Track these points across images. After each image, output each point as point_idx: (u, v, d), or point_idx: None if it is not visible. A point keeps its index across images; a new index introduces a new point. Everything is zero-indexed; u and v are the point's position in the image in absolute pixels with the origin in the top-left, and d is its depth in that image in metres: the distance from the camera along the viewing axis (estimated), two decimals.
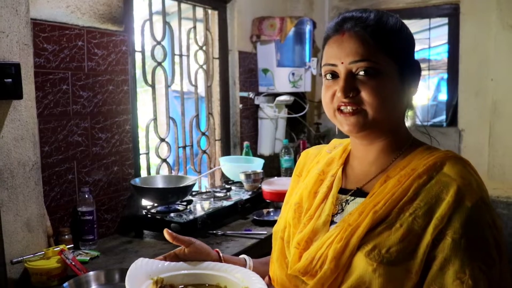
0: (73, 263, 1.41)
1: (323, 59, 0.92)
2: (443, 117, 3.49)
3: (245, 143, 2.73)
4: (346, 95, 0.85)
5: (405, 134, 0.93)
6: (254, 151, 2.91)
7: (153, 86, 2.16)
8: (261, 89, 2.97)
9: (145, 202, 2.02)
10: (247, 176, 2.32)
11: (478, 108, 3.01)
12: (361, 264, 0.80)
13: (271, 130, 3.01)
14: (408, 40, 0.91)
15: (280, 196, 2.24)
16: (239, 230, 1.95)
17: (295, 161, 2.89)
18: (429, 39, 3.37)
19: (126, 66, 1.92)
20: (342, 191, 0.94)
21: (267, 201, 2.28)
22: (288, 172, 2.84)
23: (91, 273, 1.33)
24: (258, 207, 2.26)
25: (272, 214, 2.16)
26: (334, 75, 0.89)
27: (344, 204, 0.92)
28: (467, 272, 0.75)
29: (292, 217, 0.96)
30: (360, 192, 0.91)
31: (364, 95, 0.85)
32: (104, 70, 1.83)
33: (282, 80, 2.91)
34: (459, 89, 3.10)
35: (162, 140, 2.23)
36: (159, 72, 2.19)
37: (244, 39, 2.80)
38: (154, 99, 2.17)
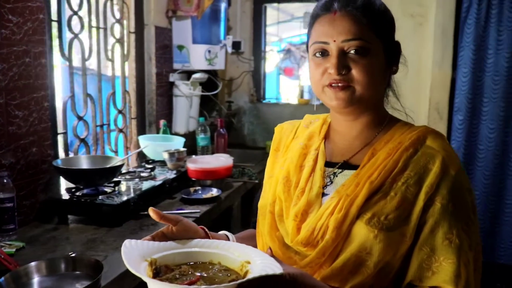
0: (2, 257, 1.28)
1: (312, 37, 0.94)
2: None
3: (162, 122, 2.66)
4: (339, 72, 0.89)
5: (383, 111, 1.00)
6: (169, 130, 2.84)
7: (70, 60, 1.99)
8: (176, 66, 2.90)
9: (66, 185, 1.89)
10: (171, 154, 2.27)
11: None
12: (362, 232, 0.86)
13: (186, 108, 2.97)
14: (392, 21, 0.97)
15: (206, 174, 2.25)
16: (170, 210, 1.92)
17: (211, 139, 2.90)
18: None
19: (44, 36, 1.74)
20: (328, 164, 0.98)
21: (193, 179, 2.27)
22: (205, 150, 2.83)
23: (32, 264, 1.21)
24: (184, 186, 2.23)
25: (200, 192, 2.16)
26: (324, 53, 0.92)
27: (332, 176, 0.96)
28: (454, 232, 0.85)
29: (282, 190, 0.98)
30: (347, 165, 0.96)
31: (355, 73, 0.89)
32: (20, 39, 1.64)
33: (198, 57, 2.87)
34: None
35: (80, 118, 2.08)
36: (76, 45, 2.02)
37: (160, 13, 2.69)
38: (71, 74, 2.01)
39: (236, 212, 2.50)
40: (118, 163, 1.85)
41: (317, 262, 0.89)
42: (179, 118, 2.94)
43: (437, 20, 2.69)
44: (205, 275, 0.83)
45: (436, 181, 0.87)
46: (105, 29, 2.26)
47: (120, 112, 2.43)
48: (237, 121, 3.64)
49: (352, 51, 0.89)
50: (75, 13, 2.00)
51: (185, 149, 2.35)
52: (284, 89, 4.53)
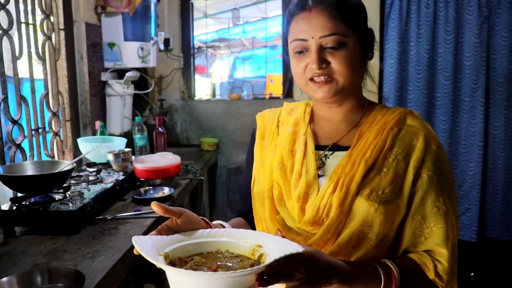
0: None
1: (291, 34, 1.00)
2: (245, 92, 3.80)
3: (99, 123, 2.54)
4: (320, 66, 0.95)
5: (363, 95, 1.07)
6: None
7: (0, 58, 1.82)
8: (107, 64, 2.78)
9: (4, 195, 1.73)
10: (116, 156, 2.18)
11: None
12: (363, 206, 0.92)
13: (120, 108, 2.86)
14: (364, 12, 1.03)
15: (155, 173, 2.19)
16: (126, 212, 1.84)
17: (149, 138, 2.82)
18: (230, 20, 3.63)
19: None
20: (317, 147, 1.04)
21: (141, 179, 2.20)
22: (143, 150, 2.75)
23: (4, 280, 1.11)
24: (133, 187, 2.16)
25: (152, 192, 2.10)
26: (303, 49, 0.98)
27: (324, 158, 1.02)
28: (441, 200, 0.95)
29: (279, 175, 1.01)
30: (337, 147, 1.02)
31: (335, 65, 0.96)
32: None
33: (131, 55, 2.78)
34: None
35: (15, 122, 1.92)
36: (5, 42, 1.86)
37: (89, 9, 2.56)
38: (2, 74, 1.84)
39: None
40: (68, 167, 1.74)
41: (323, 239, 0.94)
42: (113, 118, 2.82)
43: None
44: (219, 263, 0.83)
45: (421, 156, 0.96)
46: (34, 25, 2.10)
47: (54, 114, 2.28)
48: (169, 119, 3.58)
49: (330, 46, 0.95)
50: (3, 6, 1.84)
51: (130, 149, 2.26)
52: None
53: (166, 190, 2.10)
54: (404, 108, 1.05)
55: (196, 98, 3.70)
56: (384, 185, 0.94)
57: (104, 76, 2.74)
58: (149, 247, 0.81)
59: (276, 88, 3.95)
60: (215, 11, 3.94)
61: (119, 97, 2.79)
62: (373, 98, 1.14)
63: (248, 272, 0.73)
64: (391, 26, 2.80)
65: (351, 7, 0.99)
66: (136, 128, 2.76)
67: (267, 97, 3.85)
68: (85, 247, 1.47)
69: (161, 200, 2.01)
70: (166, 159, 2.29)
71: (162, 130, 2.84)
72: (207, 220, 0.97)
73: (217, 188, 3.67)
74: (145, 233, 1.63)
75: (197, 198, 2.99)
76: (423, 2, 2.73)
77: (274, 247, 0.81)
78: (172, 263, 0.81)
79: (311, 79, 0.97)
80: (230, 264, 0.83)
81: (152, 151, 2.82)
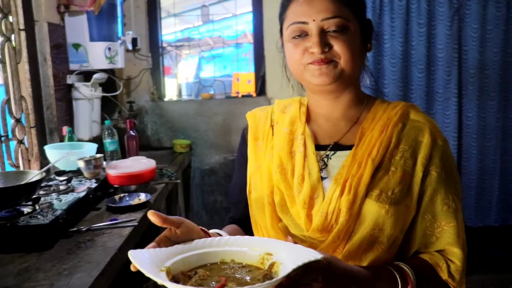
0: None
1: (289, 18, 0.93)
2: (213, 91, 3.71)
3: (67, 128, 2.40)
4: (322, 50, 0.89)
5: (360, 89, 1.01)
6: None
7: None
8: (73, 66, 2.64)
9: None
10: (87, 162, 2.06)
11: (283, 78, 3.34)
12: (373, 209, 0.86)
13: (89, 112, 2.73)
14: (364, 0, 0.98)
15: (130, 179, 2.08)
16: (102, 222, 1.74)
17: (120, 143, 2.70)
18: (198, 16, 3.54)
19: None
20: (317, 147, 0.97)
21: (115, 186, 2.09)
22: (114, 155, 2.63)
23: None
24: (106, 195, 2.04)
25: (127, 199, 1.99)
26: (302, 34, 0.91)
27: (326, 159, 0.95)
28: (450, 197, 0.90)
29: (280, 180, 0.94)
30: (338, 146, 0.96)
31: (337, 48, 0.90)
32: None
33: (97, 56, 2.65)
34: (266, 61, 3.38)
35: None
36: None
37: (52, 8, 2.41)
38: None
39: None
40: (37, 177, 1.61)
41: (332, 246, 0.88)
42: (81, 123, 2.69)
43: None
44: (226, 275, 0.76)
45: (429, 152, 0.91)
46: None
47: (18, 121, 2.13)
48: (139, 122, 3.45)
49: (333, 29, 0.89)
50: None
51: (101, 155, 2.15)
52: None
53: (143, 196, 2.00)
54: (405, 102, 1.00)
55: (166, 99, 3.59)
56: (393, 185, 0.89)
57: (70, 79, 2.60)
58: (148, 262, 0.73)
59: (243, 87, 3.86)
60: (182, 9, 3.84)
61: (87, 100, 2.66)
62: (370, 93, 1.08)
63: (266, 286, 0.66)
64: None
65: None
66: (106, 133, 2.63)
67: (239, 95, 3.77)
68: (60, 264, 1.36)
69: (137, 207, 1.91)
70: (141, 163, 2.18)
71: (134, 134, 2.72)
72: (205, 229, 0.90)
73: (192, 190, 3.57)
74: (125, 243, 1.54)
75: (172, 202, 2.89)
76: None
77: (288, 255, 0.75)
78: (175, 278, 0.73)
79: (311, 63, 0.91)
80: (239, 276, 0.75)
81: (124, 155, 2.70)
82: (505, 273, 3.11)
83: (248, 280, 0.74)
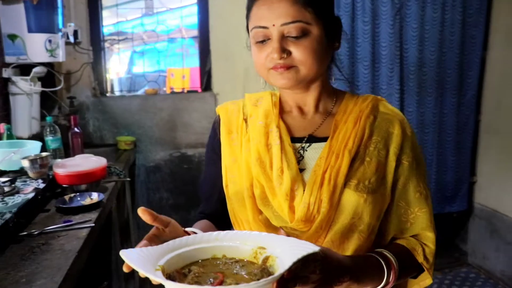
0: None
1: (252, 21, 0.94)
2: (143, 88, 3.65)
3: (4, 125, 2.24)
4: (281, 56, 0.90)
5: (329, 84, 1.03)
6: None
7: None
8: (9, 59, 2.45)
9: None
10: (33, 161, 1.94)
11: (230, 73, 3.34)
12: (352, 198, 0.89)
13: (28, 108, 2.56)
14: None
15: (80, 178, 1.98)
16: (55, 224, 1.64)
17: (63, 140, 2.56)
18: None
19: None
20: (292, 139, 0.99)
21: (64, 186, 1.97)
22: (57, 153, 2.49)
23: None
24: (54, 195, 1.93)
25: (79, 199, 1.89)
26: (265, 37, 0.92)
27: (302, 151, 0.96)
28: (421, 185, 0.95)
29: (260, 172, 0.94)
30: (313, 138, 0.97)
31: (297, 55, 0.91)
32: None
33: (37, 48, 2.48)
34: (211, 56, 3.34)
35: None
36: None
37: None
38: None
39: (115, 215, 2.28)
40: None
41: (315, 236, 0.90)
42: (20, 119, 2.51)
43: None
44: (221, 272, 0.75)
45: (400, 143, 0.96)
46: None
47: None
48: (80, 118, 3.28)
49: (293, 35, 0.90)
50: None
51: (48, 153, 2.03)
52: None
53: (95, 196, 1.91)
54: (374, 96, 1.04)
55: (110, 94, 3.45)
56: (370, 174, 0.92)
57: (6, 73, 2.42)
58: (142, 261, 0.70)
59: (177, 82, 3.78)
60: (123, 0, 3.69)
61: (26, 95, 2.49)
62: (341, 86, 1.11)
63: (270, 280, 0.65)
64: None
65: None
66: (48, 130, 2.48)
67: (184, 91, 3.70)
68: (15, 271, 1.27)
69: (91, 207, 1.82)
70: (90, 161, 2.08)
71: (78, 131, 2.59)
72: (187, 230, 0.88)
73: (137, 188, 3.47)
74: (84, 245, 1.47)
75: (120, 201, 2.79)
76: None
77: (282, 248, 0.74)
78: (171, 277, 0.71)
79: (273, 68, 0.92)
80: (234, 271, 0.74)
81: (67, 153, 2.57)
82: (441, 258, 3.32)
83: (245, 275, 0.73)
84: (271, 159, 0.96)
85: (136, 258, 0.70)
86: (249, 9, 0.96)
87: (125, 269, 0.71)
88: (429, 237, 0.96)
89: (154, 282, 0.69)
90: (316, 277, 0.73)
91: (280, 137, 0.98)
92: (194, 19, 3.56)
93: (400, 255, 0.92)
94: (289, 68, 0.91)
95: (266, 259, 0.76)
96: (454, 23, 2.98)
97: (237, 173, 0.99)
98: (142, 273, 0.67)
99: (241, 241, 0.80)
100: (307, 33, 0.90)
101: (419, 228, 0.96)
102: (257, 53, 0.94)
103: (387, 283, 0.88)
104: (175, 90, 3.58)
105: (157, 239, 0.78)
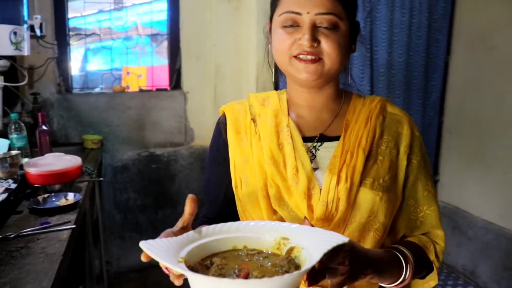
0: None
1: (283, 6, 0.93)
2: (102, 85, 3.56)
3: None
4: (311, 44, 0.89)
5: (339, 84, 1.04)
6: None
7: None
8: None
9: None
10: (2, 160, 1.84)
11: (200, 71, 3.29)
12: (368, 196, 0.89)
13: None
14: (357, 1, 1.00)
15: (54, 178, 1.90)
16: (30, 227, 1.56)
17: (28, 138, 2.44)
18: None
19: None
20: (304, 139, 0.98)
21: (36, 186, 1.88)
22: (23, 153, 2.37)
23: None
24: (26, 196, 1.84)
25: (53, 199, 1.81)
26: (294, 24, 0.91)
27: (314, 150, 0.96)
28: (429, 183, 0.98)
29: (275, 172, 0.93)
30: (324, 137, 0.97)
31: (326, 46, 0.91)
32: None
33: (1, 40, 2.35)
34: (182, 54, 3.29)
35: None
36: None
37: None
38: None
39: (89, 217, 2.19)
40: None
41: None
42: None
43: (260, 5, 2.86)
44: (244, 263, 0.73)
45: (409, 142, 0.98)
46: None
47: None
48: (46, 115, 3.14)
49: (325, 25, 0.91)
50: None
51: (19, 152, 1.93)
52: None
53: (71, 196, 1.83)
54: (381, 97, 1.05)
55: (76, 91, 3.32)
56: (383, 173, 0.94)
57: None
58: (164, 252, 0.67)
59: (133, 81, 3.68)
60: None
61: None
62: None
63: (303, 272, 0.64)
64: None
65: None
66: (13, 127, 2.36)
67: (153, 89, 3.62)
68: None
69: (68, 208, 1.75)
70: (64, 160, 2.00)
71: (46, 128, 2.48)
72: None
73: (103, 188, 3.36)
74: (68, 248, 1.40)
75: (90, 202, 2.69)
76: None
77: (308, 239, 0.73)
78: (193, 269, 0.68)
79: (296, 56, 0.91)
80: (258, 263, 0.72)
81: (32, 152, 2.45)
82: None
83: (269, 267, 0.71)
84: (284, 158, 0.95)
85: (157, 249, 0.68)
86: None
87: (143, 259, 0.69)
88: (439, 235, 0.98)
89: (175, 273, 0.67)
90: (345, 269, 0.73)
91: (291, 137, 0.97)
92: (152, 17, 3.49)
93: (414, 252, 0.93)
94: (315, 62, 0.90)
95: (290, 250, 0.74)
96: (421, 27, 3.08)
97: (249, 173, 0.97)
98: (165, 264, 0.65)
99: (262, 232, 0.78)
100: (337, 27, 0.91)
101: (429, 226, 0.98)
102: (282, 39, 0.92)
103: (404, 279, 0.89)
104: (143, 88, 3.49)
105: (181, 232, 0.76)
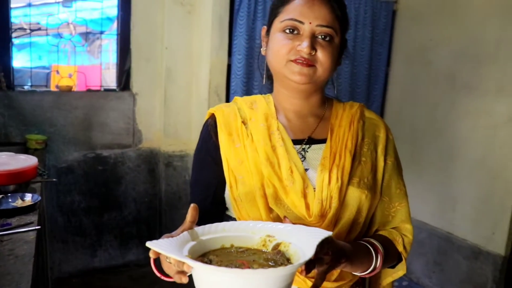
0: None
1: (287, 13, 1.01)
2: (29, 83, 3.40)
3: None
4: (310, 52, 0.98)
5: (324, 92, 1.13)
6: None
7: None
8: None
9: None
10: None
11: (151, 73, 3.27)
12: (356, 194, 0.99)
13: None
14: (348, 21, 1.09)
15: (9, 178, 1.83)
16: None
17: None
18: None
19: None
20: (293, 141, 1.06)
21: None
22: None
23: None
24: None
25: (9, 200, 1.74)
26: (294, 31, 1.00)
27: (303, 152, 1.04)
28: (401, 182, 1.10)
29: (271, 173, 0.99)
30: (312, 140, 1.05)
31: (321, 56, 1.00)
32: None
33: None
34: (132, 55, 3.25)
35: None
36: None
37: None
38: None
39: (43, 218, 2.12)
40: None
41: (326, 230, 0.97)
42: None
43: (215, 11, 2.90)
44: (234, 260, 0.79)
45: (385, 145, 1.09)
46: None
47: None
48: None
49: (322, 37, 1.00)
50: None
51: None
52: None
53: (29, 198, 1.77)
54: (358, 103, 1.15)
55: (18, 88, 3.17)
56: (367, 173, 1.03)
57: None
58: (171, 249, 0.73)
59: (63, 80, 3.51)
60: None
61: None
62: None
63: (302, 263, 0.72)
64: (239, 23, 2.92)
65: (344, 11, 1.05)
66: None
67: (101, 89, 3.53)
68: None
69: (26, 209, 1.70)
70: (19, 160, 1.94)
71: None
72: None
73: (46, 190, 3.23)
74: (37, 250, 1.37)
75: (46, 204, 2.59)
76: (268, 3, 2.93)
77: (294, 235, 0.81)
78: None
79: (293, 61, 0.99)
80: (251, 259, 0.79)
81: None
82: None
83: (263, 261, 0.78)
84: (279, 160, 1.02)
85: (165, 246, 0.73)
86: (283, 1, 1.03)
87: (152, 255, 0.76)
88: (407, 229, 1.09)
89: (178, 274, 0.73)
90: (329, 259, 0.83)
91: (282, 139, 1.04)
92: (89, 14, 3.40)
93: (384, 243, 1.03)
94: (310, 66, 0.98)
95: (277, 245, 0.82)
96: (365, 40, 3.29)
97: (246, 174, 1.02)
98: (176, 258, 0.70)
99: (247, 231, 0.85)
100: (332, 39, 1.01)
101: (399, 221, 1.09)
102: (282, 42, 1.00)
103: (374, 268, 0.99)
104: (91, 88, 3.40)
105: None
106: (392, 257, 1.06)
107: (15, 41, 3.30)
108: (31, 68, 3.35)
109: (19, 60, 3.50)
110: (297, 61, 0.99)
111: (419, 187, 3.29)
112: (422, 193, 3.26)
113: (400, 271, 1.11)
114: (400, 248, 1.07)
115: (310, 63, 0.99)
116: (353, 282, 1.06)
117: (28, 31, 3.20)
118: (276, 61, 1.02)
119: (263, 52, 1.10)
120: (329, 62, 1.00)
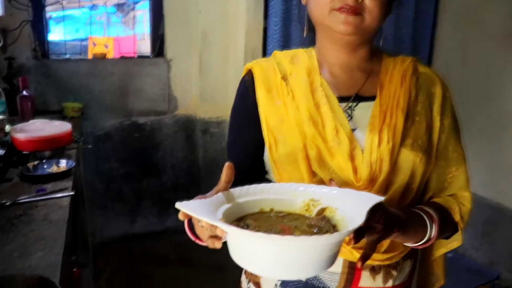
0: None
1: None
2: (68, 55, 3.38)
3: None
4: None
5: (373, 44, 1.00)
6: None
7: None
8: None
9: None
10: None
11: (185, 38, 3.19)
12: (409, 157, 0.88)
13: None
14: None
15: (44, 144, 1.82)
16: (24, 194, 1.48)
17: (7, 103, 2.31)
18: None
19: None
20: (338, 99, 0.95)
21: (25, 152, 1.79)
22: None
23: None
24: (16, 163, 1.75)
25: (44, 166, 1.73)
26: None
27: (349, 111, 0.93)
28: (459, 145, 0.98)
29: (315, 133, 0.90)
30: (359, 97, 0.94)
31: (369, 3, 0.88)
32: None
33: None
34: (165, 21, 3.16)
35: None
36: None
37: None
38: None
39: (80, 185, 2.12)
40: None
41: None
42: None
43: None
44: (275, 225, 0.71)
45: (441, 103, 0.97)
46: None
47: None
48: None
49: None
50: None
51: (4, 117, 1.82)
52: None
53: (63, 164, 1.76)
54: (411, 57, 1.03)
55: (54, 57, 3.16)
56: (421, 134, 0.92)
57: None
58: (203, 211, 0.65)
59: (98, 48, 3.48)
60: None
61: None
62: None
63: (351, 231, 0.62)
64: None
65: None
66: None
67: (135, 55, 3.49)
68: (2, 245, 1.13)
69: (61, 175, 1.68)
70: (53, 126, 1.92)
71: (28, 94, 2.36)
72: None
73: (85, 158, 3.26)
74: (71, 215, 1.35)
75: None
76: None
77: (341, 199, 0.72)
78: None
79: (338, 9, 0.88)
80: (293, 225, 0.70)
81: (11, 120, 2.33)
82: None
83: (306, 227, 0.69)
84: (322, 118, 0.92)
85: (196, 209, 0.65)
86: None
87: (181, 217, 0.69)
88: (465, 197, 0.98)
89: (211, 238, 0.67)
90: (380, 227, 0.73)
91: (326, 96, 0.94)
92: None
93: (440, 212, 0.93)
94: (356, 14, 0.87)
95: (322, 210, 0.72)
96: None
97: (287, 134, 0.93)
98: (208, 222, 0.63)
99: (289, 194, 0.76)
100: None
101: (457, 188, 0.98)
102: None
103: (429, 239, 0.89)
104: (142, 55, 3.35)
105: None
106: (448, 228, 0.96)
107: (52, 14, 3.29)
108: (65, 41, 3.33)
109: (56, 34, 3.50)
110: (342, 9, 0.87)
111: (468, 155, 3.10)
112: (471, 161, 3.04)
113: (455, 241, 1.01)
114: (457, 217, 0.96)
115: (356, 11, 0.87)
116: (404, 253, 0.96)
117: (63, 3, 3.16)
118: (318, 10, 0.91)
119: (303, 1, 0.98)
120: (378, 9, 0.88)
